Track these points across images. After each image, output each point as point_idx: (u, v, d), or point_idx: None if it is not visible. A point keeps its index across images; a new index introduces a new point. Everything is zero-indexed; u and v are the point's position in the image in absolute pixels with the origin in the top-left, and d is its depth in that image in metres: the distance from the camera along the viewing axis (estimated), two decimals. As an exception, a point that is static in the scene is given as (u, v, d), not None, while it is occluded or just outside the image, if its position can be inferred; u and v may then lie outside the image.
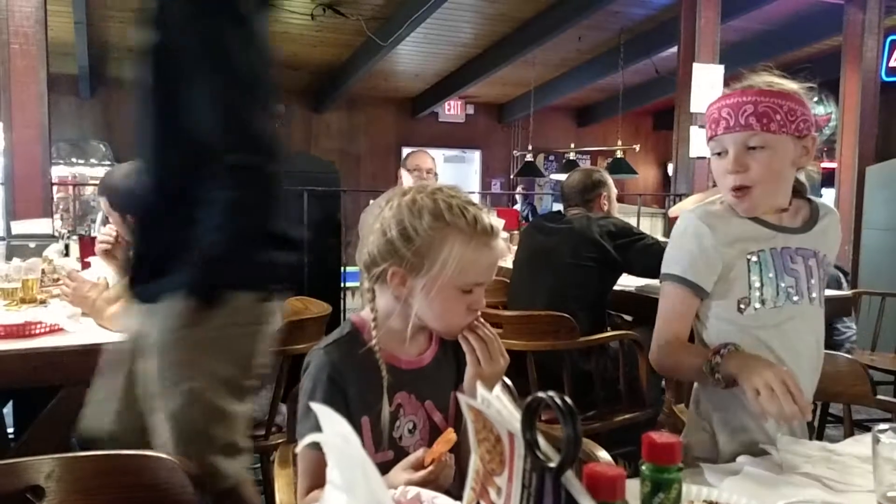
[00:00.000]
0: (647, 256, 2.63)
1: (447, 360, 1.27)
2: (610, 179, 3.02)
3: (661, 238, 3.07)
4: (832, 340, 3.38)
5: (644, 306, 2.77)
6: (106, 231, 2.48)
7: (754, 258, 1.43)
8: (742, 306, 1.43)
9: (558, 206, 3.21)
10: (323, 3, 6.49)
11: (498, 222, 1.24)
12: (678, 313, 1.48)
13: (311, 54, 8.10)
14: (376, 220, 1.17)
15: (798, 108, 1.38)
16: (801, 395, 1.18)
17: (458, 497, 0.77)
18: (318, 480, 1.09)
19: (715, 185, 1.65)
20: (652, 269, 2.67)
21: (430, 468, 1.08)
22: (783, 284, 1.42)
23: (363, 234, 1.21)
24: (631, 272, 2.78)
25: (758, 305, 1.42)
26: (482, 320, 1.21)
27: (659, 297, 1.51)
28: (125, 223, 2.31)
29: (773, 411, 1.17)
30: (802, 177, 1.51)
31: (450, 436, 1.10)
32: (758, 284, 1.42)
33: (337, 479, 0.55)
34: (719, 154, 1.43)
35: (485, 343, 1.19)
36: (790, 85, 1.41)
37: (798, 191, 1.50)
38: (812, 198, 1.53)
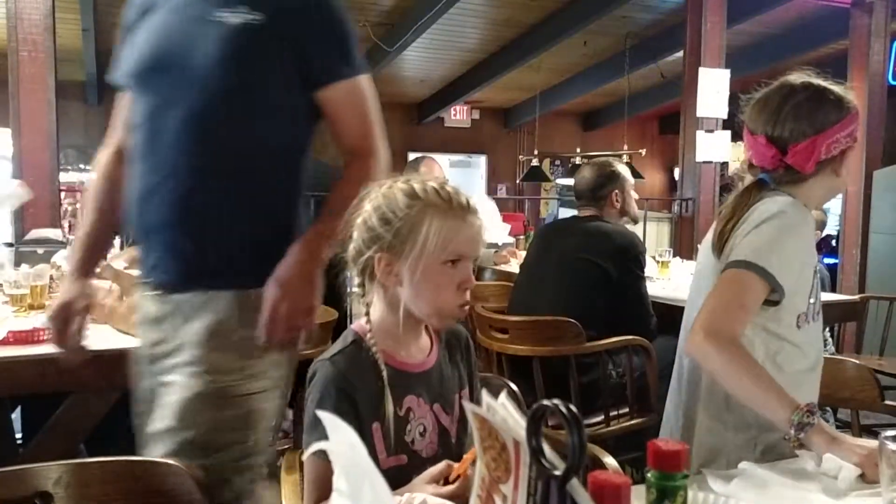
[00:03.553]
0: (630, 302, 2.65)
1: (450, 362, 1.28)
2: (626, 172, 2.84)
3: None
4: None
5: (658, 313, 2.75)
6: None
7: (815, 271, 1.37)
8: (800, 323, 1.35)
9: (564, 211, 3.18)
10: (329, 10, 6.51)
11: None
12: (751, 312, 1.29)
13: (318, 60, 8.11)
14: (358, 216, 1.20)
15: None
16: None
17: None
18: (325, 491, 1.09)
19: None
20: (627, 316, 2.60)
21: (458, 482, 1.07)
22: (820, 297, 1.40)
23: (348, 233, 1.22)
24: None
25: (811, 321, 1.36)
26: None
27: (729, 282, 1.30)
28: None
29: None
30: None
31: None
32: (812, 300, 1.36)
33: (343, 487, 0.55)
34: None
35: None
36: None
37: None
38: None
